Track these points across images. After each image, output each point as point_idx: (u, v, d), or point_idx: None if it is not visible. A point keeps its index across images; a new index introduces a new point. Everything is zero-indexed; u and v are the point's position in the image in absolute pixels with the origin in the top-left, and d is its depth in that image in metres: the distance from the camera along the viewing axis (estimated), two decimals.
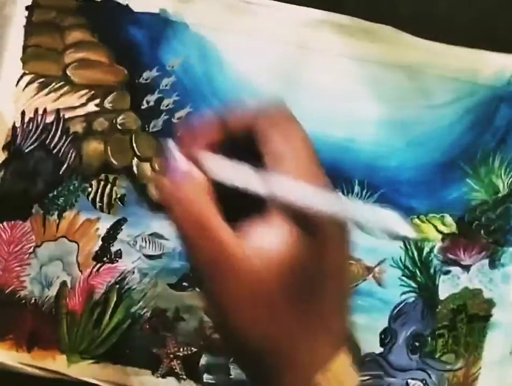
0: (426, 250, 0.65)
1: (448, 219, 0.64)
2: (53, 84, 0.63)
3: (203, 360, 0.63)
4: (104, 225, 0.63)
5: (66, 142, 0.63)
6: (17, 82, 0.63)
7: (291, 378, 0.42)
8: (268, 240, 0.41)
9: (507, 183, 0.65)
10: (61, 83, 0.63)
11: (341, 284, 0.44)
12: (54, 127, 0.63)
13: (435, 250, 0.65)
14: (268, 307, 0.41)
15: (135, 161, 0.63)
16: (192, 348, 0.63)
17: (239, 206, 0.43)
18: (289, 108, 0.46)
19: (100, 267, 0.63)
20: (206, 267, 0.43)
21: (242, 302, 0.42)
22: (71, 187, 0.63)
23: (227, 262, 0.41)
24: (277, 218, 0.42)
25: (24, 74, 0.63)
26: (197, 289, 0.63)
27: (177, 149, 0.46)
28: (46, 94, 0.63)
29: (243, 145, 0.45)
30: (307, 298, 0.42)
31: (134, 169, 0.63)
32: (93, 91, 0.63)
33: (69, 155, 0.63)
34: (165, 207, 0.45)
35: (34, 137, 0.63)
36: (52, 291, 0.63)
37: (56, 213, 0.63)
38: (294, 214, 0.41)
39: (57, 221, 0.63)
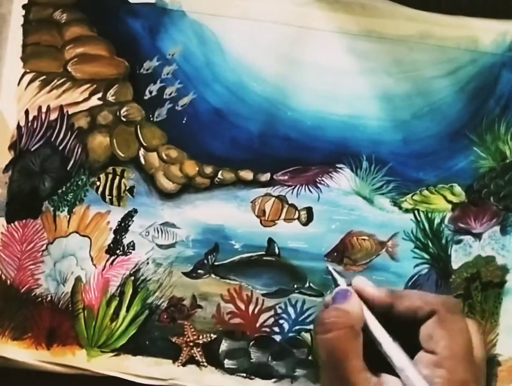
0: (437, 220, 0.63)
1: (457, 189, 0.63)
2: (55, 81, 0.61)
3: (223, 346, 0.61)
4: (115, 218, 0.61)
5: (72, 138, 0.61)
6: (19, 81, 0.61)
7: None
8: None
9: None
10: (63, 79, 0.61)
11: None
12: (58, 123, 0.61)
13: (446, 220, 0.63)
14: None
15: (142, 151, 0.61)
16: (212, 335, 0.61)
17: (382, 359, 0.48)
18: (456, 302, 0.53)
19: (114, 260, 0.61)
20: None
21: None
22: (79, 182, 0.61)
23: None
24: None
25: (25, 72, 0.61)
26: (213, 276, 0.62)
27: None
28: (49, 91, 0.61)
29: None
30: None
31: (142, 159, 0.61)
32: (95, 85, 0.61)
33: (75, 151, 0.61)
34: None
35: (39, 135, 0.61)
36: (68, 287, 0.61)
37: (66, 209, 0.61)
38: None
39: (68, 216, 0.61)
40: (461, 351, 0.48)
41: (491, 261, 0.63)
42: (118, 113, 0.61)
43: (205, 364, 0.61)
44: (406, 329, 0.50)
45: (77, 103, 0.61)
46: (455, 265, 0.63)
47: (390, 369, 0.48)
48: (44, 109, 0.61)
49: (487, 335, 0.63)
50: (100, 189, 0.61)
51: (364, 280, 0.52)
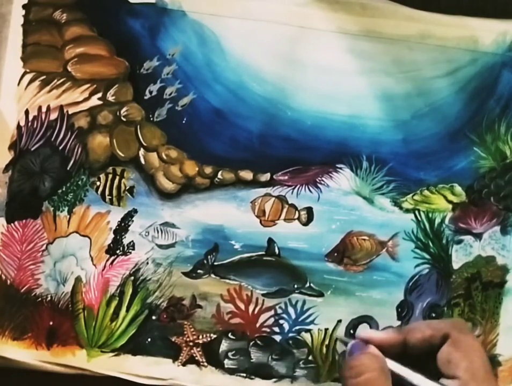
0: (437, 220, 0.63)
1: (458, 189, 0.63)
2: (55, 81, 0.61)
3: (223, 346, 0.62)
4: (115, 218, 0.61)
5: (72, 138, 0.61)
6: (19, 81, 0.61)
7: None
8: None
9: None
10: (63, 79, 0.61)
11: None
12: (58, 123, 0.61)
13: (446, 220, 0.63)
14: None
15: (142, 151, 0.61)
16: (212, 335, 0.62)
17: None
18: (464, 323, 0.54)
19: (114, 260, 0.61)
20: None
21: None
22: (79, 182, 0.61)
23: None
24: None
25: (25, 72, 0.61)
26: (212, 276, 0.62)
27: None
28: (49, 91, 0.61)
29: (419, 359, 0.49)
30: None
31: (142, 159, 0.61)
32: (95, 85, 0.61)
33: (75, 151, 0.61)
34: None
35: (39, 135, 0.61)
36: (68, 287, 0.61)
37: (66, 209, 0.61)
38: None
39: (68, 216, 0.61)
40: (482, 371, 0.47)
41: (492, 261, 0.63)
42: (118, 113, 0.61)
43: (205, 364, 0.61)
44: (418, 361, 0.49)
45: (77, 103, 0.61)
46: (455, 265, 0.63)
47: None
48: (44, 109, 0.61)
49: (488, 336, 0.63)
50: (100, 189, 0.61)
51: (367, 330, 0.53)
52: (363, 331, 0.52)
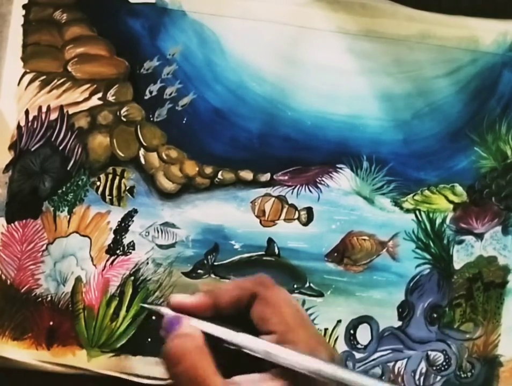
0: (438, 221, 0.63)
1: (459, 189, 0.63)
2: (55, 81, 0.61)
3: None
4: (115, 218, 0.61)
5: (72, 138, 0.61)
6: (19, 81, 0.61)
7: None
8: None
9: None
10: (63, 79, 0.61)
11: None
12: (59, 123, 0.61)
13: (447, 220, 0.63)
14: None
15: (142, 151, 0.62)
16: None
17: (239, 362, 0.46)
18: (268, 278, 0.49)
19: (114, 260, 0.61)
20: None
21: None
22: (80, 182, 0.61)
23: None
24: (275, 377, 0.44)
25: (25, 72, 0.61)
26: (212, 276, 0.62)
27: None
28: (49, 91, 0.61)
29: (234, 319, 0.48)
30: None
31: (142, 159, 0.62)
32: (95, 85, 0.61)
33: (75, 151, 0.61)
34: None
35: (40, 135, 0.61)
36: (68, 287, 0.61)
37: (66, 209, 0.61)
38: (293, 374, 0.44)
39: (68, 217, 0.61)
40: (295, 320, 0.47)
41: (493, 262, 0.63)
42: (118, 113, 0.61)
43: None
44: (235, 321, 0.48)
45: (77, 103, 0.61)
46: (457, 265, 0.63)
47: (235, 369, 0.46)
48: (44, 109, 0.61)
49: (489, 336, 0.63)
50: (100, 189, 0.61)
51: (178, 295, 0.50)
52: (175, 297, 0.49)
